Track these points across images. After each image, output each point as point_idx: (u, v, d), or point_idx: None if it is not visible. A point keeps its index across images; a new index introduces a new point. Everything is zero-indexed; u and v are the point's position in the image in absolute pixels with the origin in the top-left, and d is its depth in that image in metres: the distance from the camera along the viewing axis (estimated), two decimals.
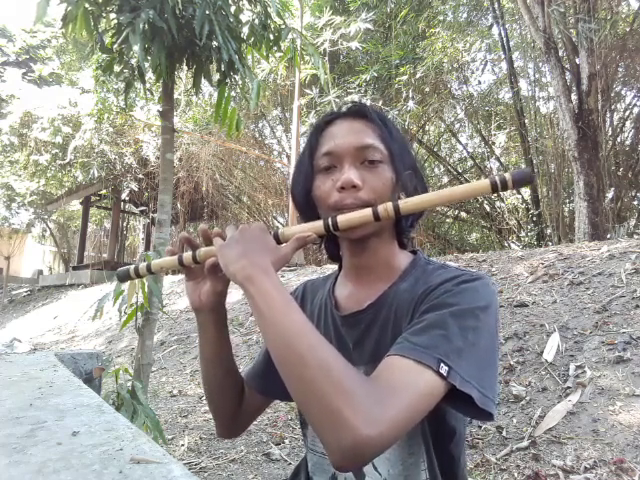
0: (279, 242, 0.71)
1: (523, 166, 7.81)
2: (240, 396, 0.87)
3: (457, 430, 0.71)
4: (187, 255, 0.75)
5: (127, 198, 9.84)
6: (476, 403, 0.56)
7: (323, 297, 0.85)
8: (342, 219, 0.69)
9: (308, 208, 0.78)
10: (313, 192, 0.76)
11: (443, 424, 0.70)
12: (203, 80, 2.21)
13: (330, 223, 0.69)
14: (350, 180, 0.70)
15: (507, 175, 0.61)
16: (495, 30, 7.57)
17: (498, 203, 8.37)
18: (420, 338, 0.59)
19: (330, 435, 0.50)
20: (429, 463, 0.69)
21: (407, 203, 0.67)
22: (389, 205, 0.67)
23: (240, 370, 0.87)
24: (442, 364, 0.55)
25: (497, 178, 0.62)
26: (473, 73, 8.38)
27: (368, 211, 0.67)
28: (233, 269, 0.64)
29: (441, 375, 0.55)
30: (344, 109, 0.78)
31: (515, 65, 7.54)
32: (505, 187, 0.61)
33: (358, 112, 0.76)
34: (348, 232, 0.71)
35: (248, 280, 0.61)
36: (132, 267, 0.80)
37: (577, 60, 5.33)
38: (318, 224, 0.70)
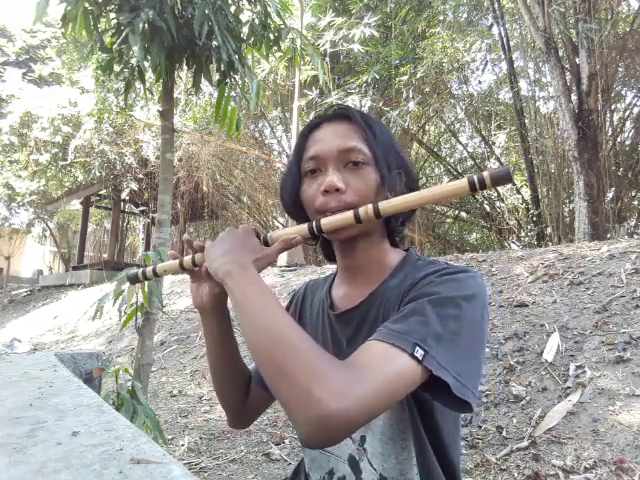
0: (267, 245, 0.74)
1: (523, 166, 7.81)
2: (247, 389, 0.89)
3: (445, 426, 0.72)
4: (187, 259, 0.80)
5: (127, 198, 9.83)
6: (453, 392, 0.56)
7: (321, 297, 0.88)
8: (325, 222, 0.71)
9: (297, 211, 0.81)
10: (301, 195, 0.78)
11: (432, 420, 0.70)
12: (203, 80, 2.21)
13: (314, 226, 0.71)
14: (333, 184, 0.71)
15: (485, 174, 0.61)
16: (495, 30, 7.56)
17: (498, 203, 8.37)
18: (398, 325, 0.60)
19: (298, 409, 0.51)
20: (420, 458, 0.70)
21: (388, 204, 0.68)
22: (369, 207, 0.68)
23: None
24: (418, 348, 0.56)
25: (475, 177, 0.62)
26: (473, 73, 8.39)
27: (349, 213, 0.69)
28: (215, 266, 0.67)
29: (416, 359, 0.55)
30: (329, 113, 0.80)
31: (515, 65, 7.53)
32: (483, 186, 0.61)
33: (342, 115, 0.78)
34: (333, 234, 0.73)
35: (228, 275, 0.64)
36: (140, 270, 0.87)
37: (577, 60, 5.32)
38: (303, 227, 0.73)
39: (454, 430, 0.74)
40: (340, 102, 6.96)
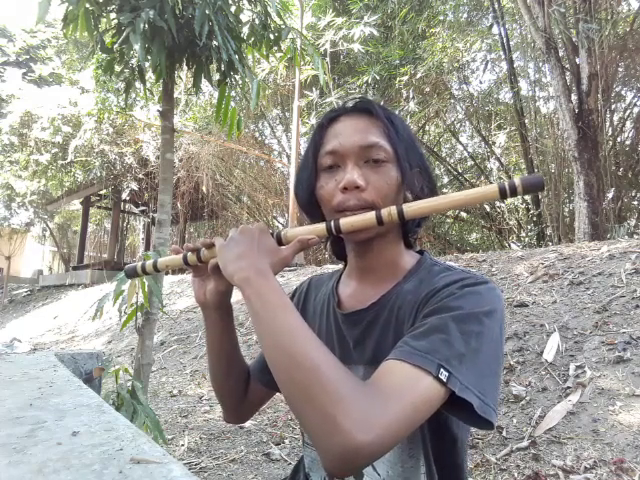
0: (281, 243, 0.70)
1: (523, 166, 7.80)
2: (245, 386, 0.88)
3: (458, 437, 0.70)
4: (192, 255, 0.76)
5: (127, 198, 9.85)
6: (476, 411, 0.55)
7: (327, 294, 0.85)
8: (345, 222, 0.67)
9: (312, 207, 0.77)
10: (317, 191, 0.75)
11: (444, 430, 0.69)
12: (203, 80, 2.21)
13: (333, 226, 0.68)
14: (353, 181, 0.68)
15: (517, 181, 0.59)
16: (495, 30, 7.56)
17: (498, 203, 8.36)
18: (420, 342, 0.57)
19: (322, 440, 0.50)
20: (427, 467, 0.68)
21: (411, 207, 0.65)
22: (393, 209, 0.65)
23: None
24: (442, 369, 0.54)
25: (506, 184, 0.59)
26: (473, 73, 8.39)
27: (371, 215, 0.66)
28: (231, 270, 0.64)
29: (440, 381, 0.54)
30: (349, 105, 0.76)
31: (515, 65, 7.53)
32: (514, 193, 0.59)
33: (363, 108, 0.74)
34: (351, 235, 0.70)
35: (245, 282, 0.61)
36: (139, 264, 0.83)
37: (577, 60, 5.32)
38: (321, 226, 0.69)
39: (465, 437, 0.73)
40: (340, 102, 6.96)
